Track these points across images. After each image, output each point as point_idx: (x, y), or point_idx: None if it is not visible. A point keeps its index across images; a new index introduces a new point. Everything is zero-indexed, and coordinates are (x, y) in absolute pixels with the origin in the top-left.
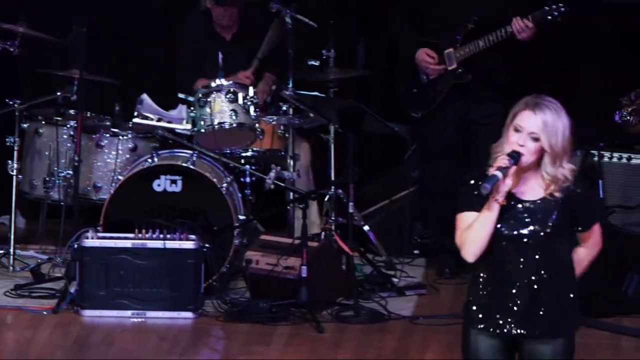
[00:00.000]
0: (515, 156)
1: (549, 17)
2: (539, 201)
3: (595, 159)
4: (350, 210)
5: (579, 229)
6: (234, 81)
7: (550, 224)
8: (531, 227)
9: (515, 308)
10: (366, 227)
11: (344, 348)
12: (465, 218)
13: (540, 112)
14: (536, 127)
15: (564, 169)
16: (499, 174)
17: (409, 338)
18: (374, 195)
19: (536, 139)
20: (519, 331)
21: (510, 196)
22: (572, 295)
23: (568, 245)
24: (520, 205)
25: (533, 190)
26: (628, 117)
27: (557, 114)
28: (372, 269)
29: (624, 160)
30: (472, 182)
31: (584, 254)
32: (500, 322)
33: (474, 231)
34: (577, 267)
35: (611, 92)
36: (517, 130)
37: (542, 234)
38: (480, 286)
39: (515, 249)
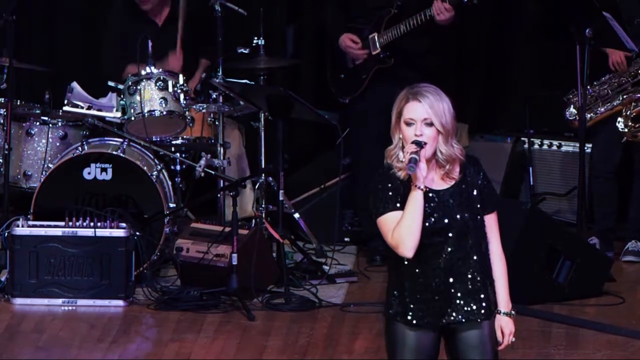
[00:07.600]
0: (419, 142)
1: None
2: (448, 189)
3: (525, 146)
4: (281, 198)
5: (484, 211)
6: (164, 69)
7: (465, 208)
8: (448, 214)
9: (438, 296)
10: (296, 215)
11: (274, 336)
12: (390, 219)
13: (424, 98)
14: (426, 113)
15: (455, 149)
16: (415, 156)
17: (340, 325)
18: (304, 182)
19: (430, 124)
20: (445, 319)
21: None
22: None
23: (484, 228)
24: (432, 195)
25: (438, 180)
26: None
27: (437, 95)
28: (303, 257)
29: (554, 147)
30: (380, 186)
31: (497, 251)
32: (426, 311)
33: (406, 224)
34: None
35: (540, 78)
36: (409, 124)
37: (460, 219)
38: (403, 280)
39: (435, 237)
